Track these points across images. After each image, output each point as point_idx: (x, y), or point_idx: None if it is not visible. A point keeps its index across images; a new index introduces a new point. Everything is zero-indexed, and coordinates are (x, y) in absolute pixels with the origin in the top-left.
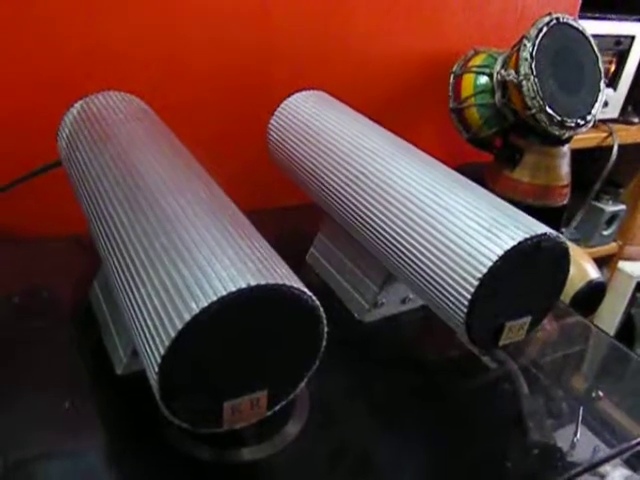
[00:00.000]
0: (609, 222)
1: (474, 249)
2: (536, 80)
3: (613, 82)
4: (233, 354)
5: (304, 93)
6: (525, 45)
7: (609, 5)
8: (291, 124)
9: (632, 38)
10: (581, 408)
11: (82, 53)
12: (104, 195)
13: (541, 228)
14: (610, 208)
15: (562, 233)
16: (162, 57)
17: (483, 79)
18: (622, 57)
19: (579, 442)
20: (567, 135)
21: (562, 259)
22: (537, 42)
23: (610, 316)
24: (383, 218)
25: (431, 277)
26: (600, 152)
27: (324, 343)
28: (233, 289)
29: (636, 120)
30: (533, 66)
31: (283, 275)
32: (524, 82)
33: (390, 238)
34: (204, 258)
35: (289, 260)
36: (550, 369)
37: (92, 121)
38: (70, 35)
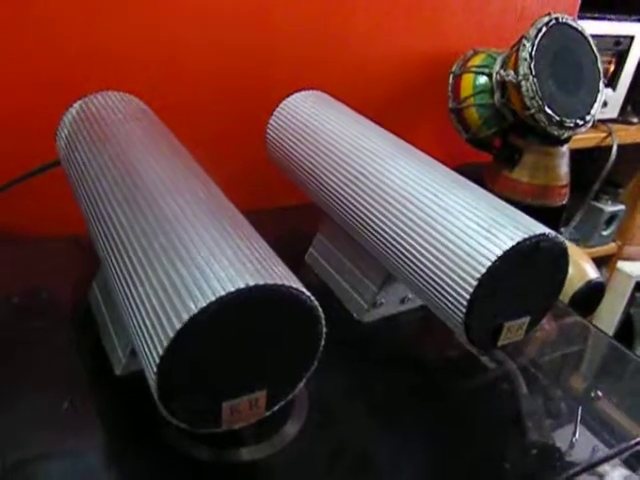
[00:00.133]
0: (608, 222)
1: (473, 249)
2: (535, 80)
3: (612, 82)
4: (232, 354)
5: (303, 93)
6: (524, 45)
7: (608, 5)
8: (290, 124)
9: (631, 38)
10: (580, 408)
11: (81, 53)
12: (103, 195)
13: (540, 228)
14: (609, 208)
15: (561, 233)
16: (161, 57)
17: (482, 79)
18: (621, 57)
19: (578, 442)
20: (566, 135)
21: (561, 259)
22: (536, 42)
23: (609, 316)
24: (382, 218)
25: (430, 277)
26: (599, 152)
27: (323, 343)
28: (232, 289)
29: (635, 120)
30: (532, 66)
31: (282, 275)
32: (523, 82)
33: (389, 238)
34: (203, 258)
35: (288, 260)
36: (549, 369)
37: (91, 121)
38: (70, 35)
